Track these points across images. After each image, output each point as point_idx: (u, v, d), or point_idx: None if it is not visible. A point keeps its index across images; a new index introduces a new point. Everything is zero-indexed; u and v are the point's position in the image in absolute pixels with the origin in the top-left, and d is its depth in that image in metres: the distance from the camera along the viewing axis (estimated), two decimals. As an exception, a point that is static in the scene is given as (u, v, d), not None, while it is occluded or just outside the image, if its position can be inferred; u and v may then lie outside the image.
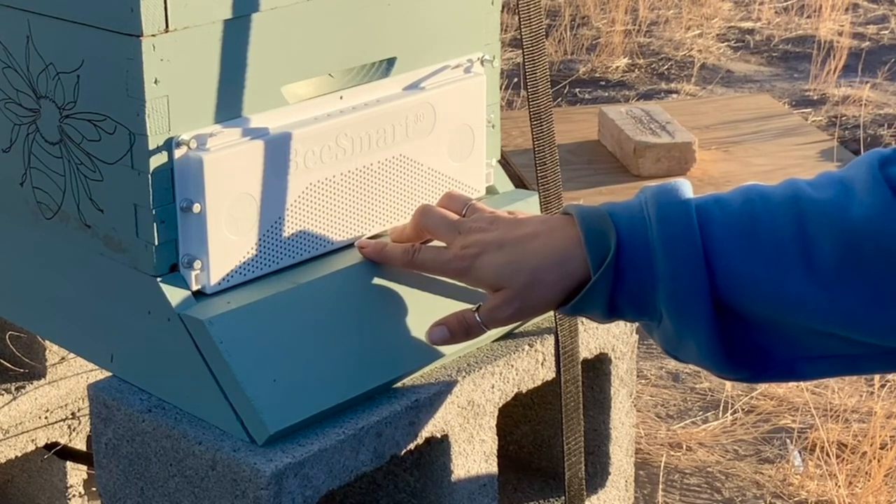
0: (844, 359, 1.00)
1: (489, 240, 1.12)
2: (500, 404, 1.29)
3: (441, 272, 1.17)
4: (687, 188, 1.06)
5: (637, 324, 1.11)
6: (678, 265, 1.00)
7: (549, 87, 1.29)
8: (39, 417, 1.76)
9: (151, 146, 1.13)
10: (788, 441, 2.26)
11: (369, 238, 1.28)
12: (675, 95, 4.11)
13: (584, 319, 1.32)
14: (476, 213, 1.18)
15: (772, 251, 0.98)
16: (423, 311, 1.24)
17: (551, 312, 1.24)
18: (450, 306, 1.23)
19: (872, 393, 2.40)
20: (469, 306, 1.17)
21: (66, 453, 1.80)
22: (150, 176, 1.14)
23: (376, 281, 1.24)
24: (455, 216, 1.19)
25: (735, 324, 1.01)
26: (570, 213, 1.09)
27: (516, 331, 1.33)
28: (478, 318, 1.14)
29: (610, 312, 1.06)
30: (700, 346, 1.02)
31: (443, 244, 1.17)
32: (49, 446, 1.78)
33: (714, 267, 1.00)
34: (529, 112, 1.28)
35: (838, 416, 2.30)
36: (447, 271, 1.15)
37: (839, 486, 2.09)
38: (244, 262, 1.19)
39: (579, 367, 1.31)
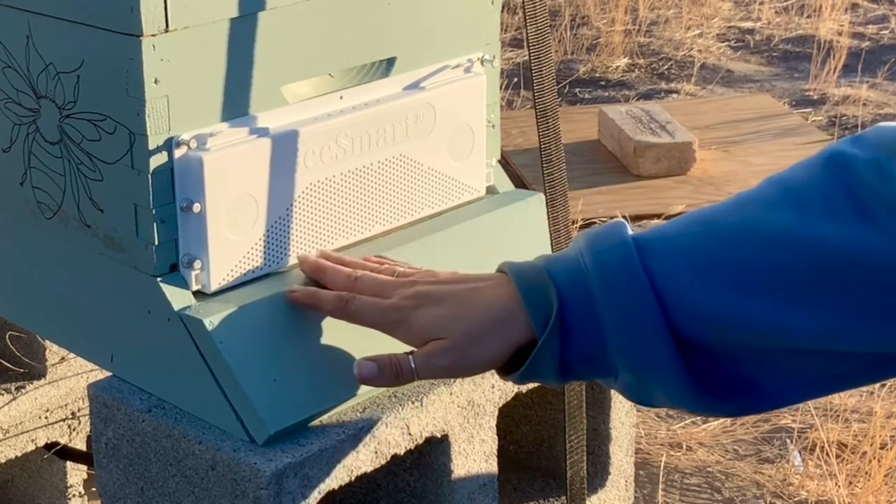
0: (828, 378, 0.94)
1: (430, 292, 1.05)
2: (500, 404, 1.29)
3: (374, 323, 1.09)
4: (623, 228, 0.98)
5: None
6: (626, 312, 0.94)
7: (555, 85, 1.29)
8: (39, 417, 1.76)
9: (151, 146, 1.13)
10: (788, 441, 2.26)
11: (368, 238, 1.28)
12: (675, 95, 4.11)
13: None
14: (412, 271, 1.12)
15: (735, 280, 0.92)
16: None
17: None
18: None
19: (872, 393, 2.40)
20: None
21: (66, 453, 1.80)
22: (150, 176, 1.14)
23: (376, 281, 1.23)
24: (387, 277, 1.11)
25: (702, 358, 0.95)
26: (504, 271, 1.03)
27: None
28: (412, 364, 1.05)
29: (563, 375, 0.99)
30: (668, 389, 0.96)
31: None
32: (49, 446, 1.78)
33: (670, 305, 0.93)
34: (535, 110, 1.28)
35: (838, 415, 2.30)
36: (381, 322, 1.07)
37: (839, 486, 2.09)
38: (244, 262, 1.19)
39: (579, 366, 1.31)
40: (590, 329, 0.96)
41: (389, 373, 1.07)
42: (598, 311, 0.96)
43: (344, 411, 1.18)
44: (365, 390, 1.19)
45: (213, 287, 1.18)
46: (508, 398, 1.30)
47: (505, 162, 2.11)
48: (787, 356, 0.94)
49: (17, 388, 1.73)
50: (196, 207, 1.15)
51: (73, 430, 1.80)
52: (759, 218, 0.93)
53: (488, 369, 1.04)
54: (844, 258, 0.89)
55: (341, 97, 1.26)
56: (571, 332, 0.97)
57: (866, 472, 2.13)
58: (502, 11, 2.86)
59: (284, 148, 1.19)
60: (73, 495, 1.83)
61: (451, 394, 1.23)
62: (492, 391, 1.28)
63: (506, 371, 1.04)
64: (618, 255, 0.96)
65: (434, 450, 1.25)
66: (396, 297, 1.07)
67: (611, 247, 0.96)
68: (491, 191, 1.41)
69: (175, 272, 1.18)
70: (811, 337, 0.91)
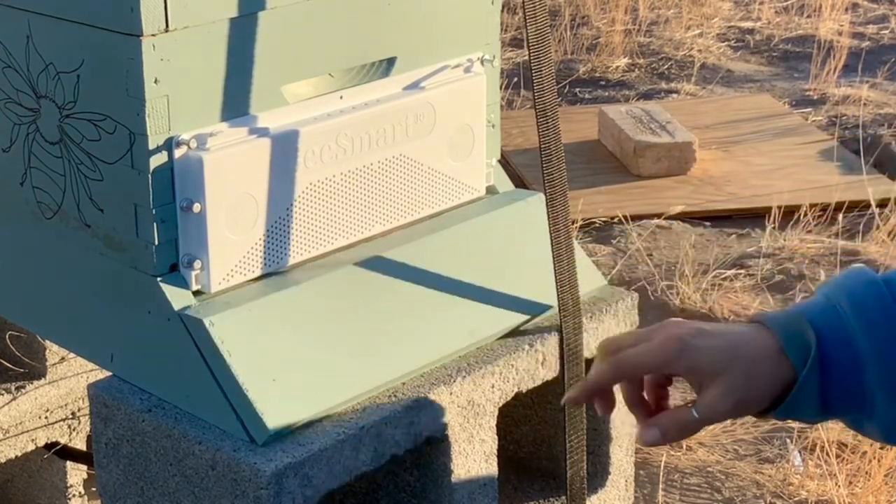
0: None
1: (702, 327, 1.04)
2: (500, 404, 1.29)
3: (646, 361, 1.04)
4: (868, 270, 1.04)
5: (844, 423, 1.08)
6: (885, 343, 0.99)
7: (555, 84, 1.29)
8: (39, 417, 1.76)
9: (151, 146, 1.13)
10: (788, 441, 2.26)
11: (368, 238, 1.28)
12: (675, 95, 4.11)
13: (586, 319, 1.32)
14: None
15: None
16: (424, 311, 1.24)
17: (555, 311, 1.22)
18: (450, 306, 1.23)
19: (872, 393, 2.39)
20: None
21: (66, 453, 1.79)
22: (150, 176, 1.14)
23: (376, 281, 1.23)
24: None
25: None
26: (758, 321, 1.05)
27: (517, 330, 1.33)
28: (694, 414, 1.03)
29: (823, 409, 1.02)
30: None
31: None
32: (49, 446, 1.78)
33: None
34: (535, 110, 1.28)
35: (838, 415, 2.30)
36: (661, 357, 1.03)
37: (839, 486, 2.08)
38: (244, 262, 1.19)
39: (583, 364, 1.31)
40: (849, 363, 1.01)
41: (674, 431, 1.05)
42: (855, 345, 1.00)
43: (344, 411, 1.18)
44: (365, 390, 1.19)
45: (214, 287, 1.18)
46: (508, 398, 1.30)
47: (505, 162, 2.11)
48: None
49: (17, 388, 1.73)
50: (196, 207, 1.15)
51: (73, 430, 1.80)
52: None
53: (761, 409, 1.04)
54: None
55: (341, 97, 1.26)
56: (831, 368, 1.01)
57: (866, 472, 2.13)
58: (502, 11, 2.86)
59: (284, 148, 1.19)
60: (73, 495, 1.83)
61: (451, 394, 1.23)
62: (492, 391, 1.28)
63: (769, 408, 1.05)
64: (870, 290, 1.01)
65: (434, 450, 1.25)
66: (661, 336, 1.04)
67: (862, 284, 1.02)
68: (491, 191, 1.41)
69: (175, 272, 1.18)
70: None
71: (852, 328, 1.00)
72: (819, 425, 2.24)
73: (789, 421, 1.07)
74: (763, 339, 1.03)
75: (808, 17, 4.83)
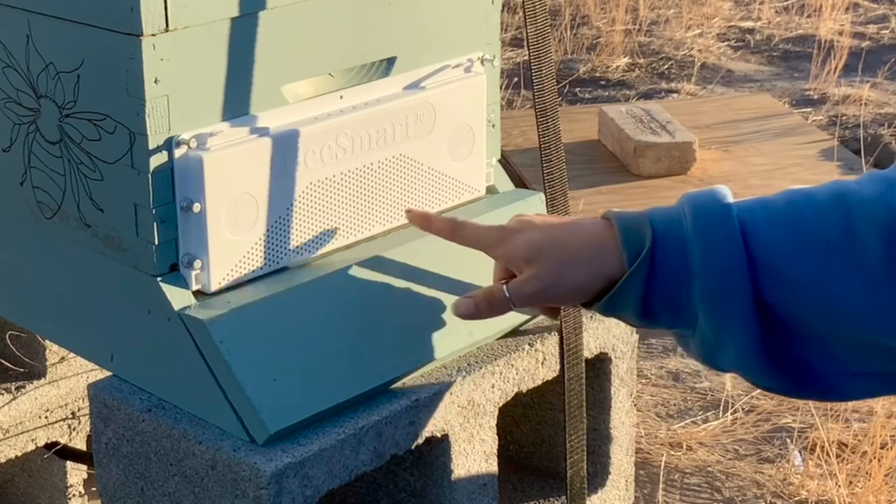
0: (884, 376, 0.98)
1: (531, 220, 1.11)
2: (501, 404, 1.29)
3: (477, 241, 1.15)
4: (726, 191, 1.04)
5: (672, 333, 1.08)
6: (716, 260, 0.99)
7: (555, 84, 1.29)
8: (39, 417, 1.76)
9: (151, 146, 1.13)
10: (789, 440, 2.26)
11: (368, 238, 1.28)
12: (675, 95, 4.11)
13: (586, 318, 1.32)
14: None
15: (818, 248, 0.96)
16: (424, 311, 1.24)
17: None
18: (449, 305, 1.22)
19: (873, 392, 2.39)
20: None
21: (66, 453, 1.79)
22: (150, 175, 1.14)
23: (376, 281, 1.23)
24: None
25: (778, 331, 0.99)
26: (607, 217, 1.07)
27: (517, 330, 1.33)
28: (506, 293, 1.10)
29: (643, 313, 1.04)
30: (739, 349, 0.99)
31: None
32: (49, 446, 1.78)
33: (757, 264, 0.98)
34: (535, 109, 1.28)
35: (838, 415, 2.30)
36: (484, 241, 1.14)
37: (839, 486, 2.08)
38: (244, 262, 1.19)
39: (583, 364, 1.31)
40: (678, 272, 1.01)
41: (485, 305, 1.13)
42: (688, 256, 1.00)
43: (344, 411, 1.18)
44: (365, 390, 1.19)
45: (213, 287, 1.18)
46: (509, 398, 1.30)
47: (505, 161, 2.11)
48: (850, 343, 0.97)
49: (17, 388, 1.73)
50: (196, 207, 1.15)
51: (73, 430, 1.80)
52: (847, 190, 0.97)
53: (578, 298, 1.08)
54: None
55: (341, 97, 1.26)
56: (659, 271, 1.02)
57: (867, 472, 2.13)
58: (502, 11, 2.86)
59: (284, 148, 1.19)
60: (73, 495, 1.83)
61: (451, 394, 1.23)
62: (492, 391, 1.28)
63: (591, 300, 1.08)
64: (716, 208, 1.01)
65: (434, 449, 1.25)
66: (494, 225, 1.14)
67: (711, 200, 1.02)
68: (491, 190, 1.41)
69: (175, 272, 1.18)
70: (876, 319, 0.94)
71: (689, 239, 1.00)
72: (820, 425, 2.24)
73: (615, 317, 1.08)
74: (600, 233, 1.06)
75: (809, 16, 4.83)
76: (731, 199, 1.02)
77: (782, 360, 1.00)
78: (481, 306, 1.13)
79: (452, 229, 1.18)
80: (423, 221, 1.22)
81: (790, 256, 0.97)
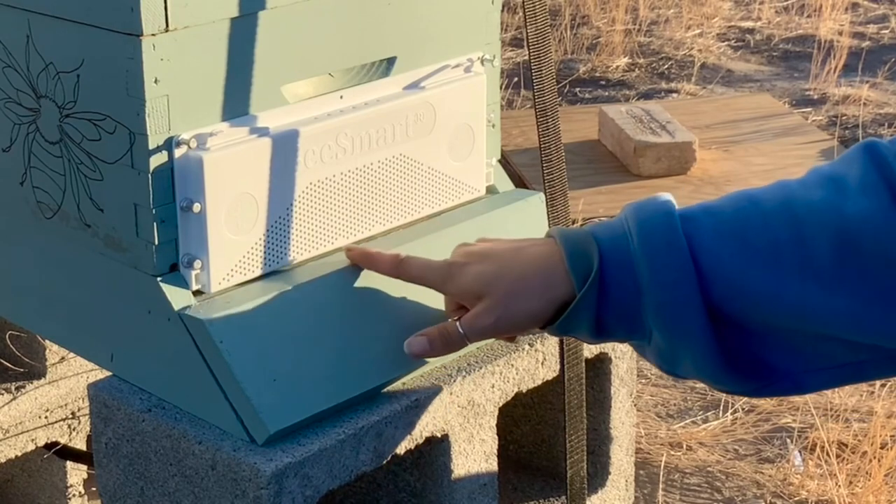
0: (849, 367, 0.97)
1: (475, 251, 1.11)
2: (501, 404, 1.29)
3: (424, 278, 1.15)
4: (669, 200, 1.03)
5: (630, 344, 1.08)
6: (663, 275, 0.98)
7: (555, 84, 1.29)
8: (39, 417, 1.76)
9: (151, 146, 1.13)
10: (789, 441, 2.26)
11: (368, 238, 1.28)
12: (675, 95, 4.11)
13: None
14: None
15: (767, 255, 0.96)
16: (424, 310, 1.24)
17: None
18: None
19: (873, 392, 2.40)
20: None
21: (66, 453, 1.80)
22: (150, 175, 1.14)
23: (377, 281, 1.23)
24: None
25: (733, 333, 0.99)
26: (552, 235, 1.07)
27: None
28: (460, 330, 1.10)
29: (598, 332, 1.03)
30: (696, 358, 0.99)
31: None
32: (49, 446, 1.78)
33: (706, 274, 0.97)
34: (535, 109, 1.28)
35: (839, 415, 2.30)
36: (432, 278, 1.14)
37: (839, 486, 2.09)
38: (244, 262, 1.19)
39: (583, 364, 1.31)
40: (627, 288, 1.00)
41: (439, 343, 1.13)
42: (636, 271, 1.00)
43: (344, 411, 1.18)
44: (365, 389, 1.19)
45: (214, 287, 1.18)
46: (509, 398, 1.30)
47: (505, 161, 2.11)
48: (811, 340, 0.97)
49: (17, 388, 1.73)
50: (196, 207, 1.15)
51: (73, 430, 1.80)
52: (794, 196, 0.97)
53: (533, 325, 1.07)
54: (871, 235, 0.92)
55: (341, 97, 1.26)
56: (609, 289, 1.01)
57: (867, 472, 2.13)
58: (502, 11, 2.86)
59: (284, 148, 1.19)
60: (73, 495, 1.83)
61: (451, 394, 1.23)
62: (492, 391, 1.28)
63: (545, 323, 1.07)
64: (660, 220, 1.00)
65: (434, 450, 1.25)
66: (441, 260, 1.13)
67: (655, 213, 1.01)
68: (491, 190, 1.41)
69: (175, 272, 1.18)
70: (834, 321, 0.94)
71: (635, 253, 1.00)
72: (820, 425, 2.24)
73: (571, 337, 1.09)
74: (547, 256, 1.05)
75: (809, 16, 4.83)
76: (674, 207, 1.01)
77: (739, 362, 0.99)
78: (435, 344, 1.14)
79: (396, 266, 1.17)
80: (364, 259, 1.21)
81: (739, 266, 0.97)
